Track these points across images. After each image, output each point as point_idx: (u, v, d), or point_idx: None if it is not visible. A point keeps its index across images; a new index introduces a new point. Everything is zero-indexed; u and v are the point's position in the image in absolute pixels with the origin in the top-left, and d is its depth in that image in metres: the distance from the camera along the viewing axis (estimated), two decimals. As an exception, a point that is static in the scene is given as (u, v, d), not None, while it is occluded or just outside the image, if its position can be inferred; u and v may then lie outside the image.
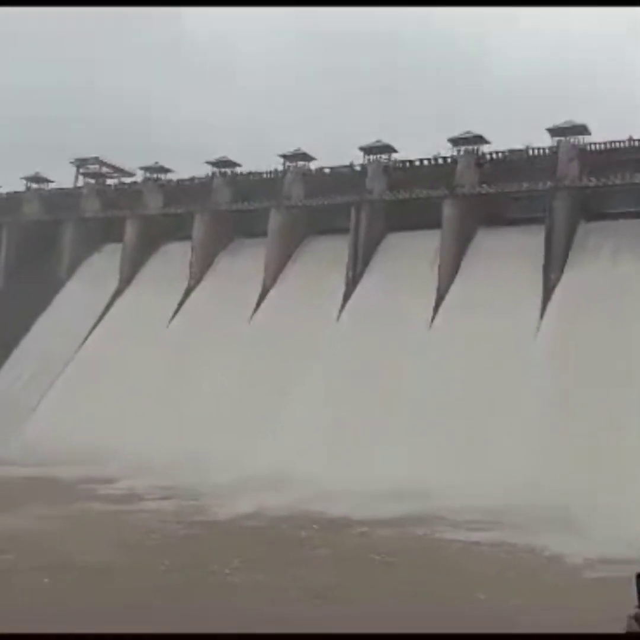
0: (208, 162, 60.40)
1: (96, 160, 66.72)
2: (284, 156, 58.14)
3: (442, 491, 31.89)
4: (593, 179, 46.54)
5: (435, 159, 53.53)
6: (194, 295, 56.09)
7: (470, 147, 52.16)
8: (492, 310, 43.90)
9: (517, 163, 50.14)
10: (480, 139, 52.29)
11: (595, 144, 48.24)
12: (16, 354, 58.45)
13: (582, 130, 48.85)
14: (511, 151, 51.05)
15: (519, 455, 34.78)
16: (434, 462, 35.38)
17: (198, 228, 57.69)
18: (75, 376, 53.46)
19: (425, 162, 53.97)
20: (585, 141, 48.61)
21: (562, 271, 45.13)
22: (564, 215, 46.41)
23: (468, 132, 52.72)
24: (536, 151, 50.08)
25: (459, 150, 52.50)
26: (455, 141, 52.65)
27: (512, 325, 43.02)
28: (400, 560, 24.32)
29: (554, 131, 49.35)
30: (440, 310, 46.88)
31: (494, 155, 51.57)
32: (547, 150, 49.47)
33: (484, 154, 52.03)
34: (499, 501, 30.19)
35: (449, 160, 52.64)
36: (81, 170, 66.98)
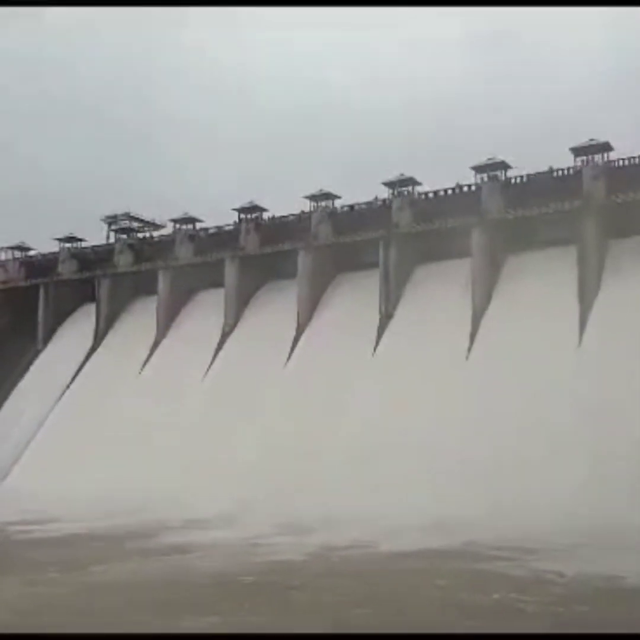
0: (234, 209, 61.35)
1: (126, 216, 68.08)
2: (310, 197, 58.77)
3: None
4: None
5: (459, 187, 53.58)
6: (229, 341, 56.37)
7: (494, 173, 52.27)
8: (530, 330, 43.53)
9: (542, 185, 50.00)
10: (503, 165, 52.32)
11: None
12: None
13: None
14: (535, 174, 50.98)
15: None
16: None
17: (229, 274, 58.28)
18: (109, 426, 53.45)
19: (450, 192, 54.10)
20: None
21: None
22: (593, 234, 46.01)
23: (491, 159, 52.77)
24: (560, 172, 49.96)
25: (482, 177, 52.55)
26: (478, 168, 52.75)
27: (551, 343, 42.55)
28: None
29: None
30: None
31: (518, 179, 51.53)
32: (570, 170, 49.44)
33: (508, 179, 52.06)
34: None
35: (473, 188, 52.77)
36: (112, 227, 68.35)
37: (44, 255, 69.08)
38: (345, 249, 55.95)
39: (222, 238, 61.01)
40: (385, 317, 51.13)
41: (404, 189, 55.54)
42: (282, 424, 47.04)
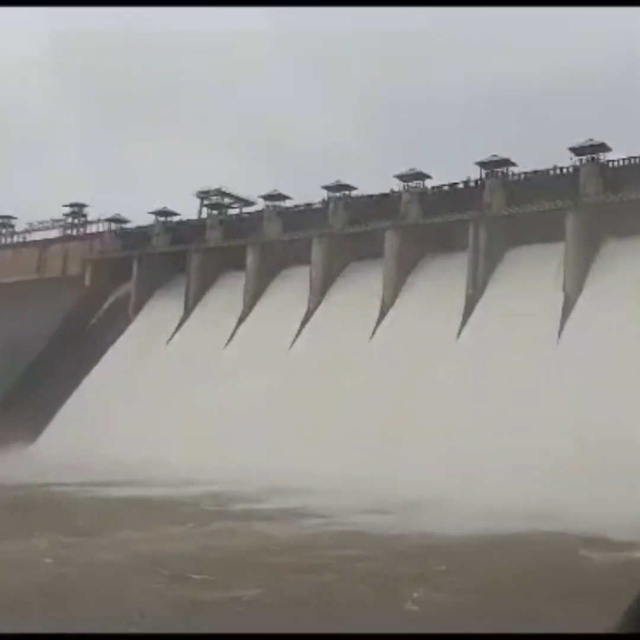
0: (324, 187, 61.29)
1: (218, 192, 69.10)
2: (400, 177, 58.11)
3: None
4: None
5: (556, 168, 51.88)
6: (313, 318, 56.68)
7: (592, 156, 50.39)
8: (626, 317, 41.65)
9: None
10: (602, 147, 50.32)
11: None
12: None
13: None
14: (633, 158, 48.79)
15: None
16: None
17: (316, 253, 58.40)
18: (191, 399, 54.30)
19: (546, 173, 52.43)
20: None
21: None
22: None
23: (590, 140, 50.86)
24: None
25: (581, 160, 50.71)
26: (577, 150, 50.93)
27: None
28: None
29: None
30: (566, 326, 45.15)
31: (616, 163, 49.48)
32: None
33: (607, 162, 50.06)
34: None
35: (571, 170, 51.03)
36: (205, 202, 69.52)
37: (139, 228, 71.01)
38: (433, 230, 55.12)
39: (311, 216, 61.12)
40: (472, 301, 50.24)
41: (497, 169, 54.20)
42: (367, 400, 46.95)
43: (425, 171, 57.48)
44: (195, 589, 19.90)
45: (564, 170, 51.53)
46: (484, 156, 54.58)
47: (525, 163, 53.32)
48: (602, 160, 50.14)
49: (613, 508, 26.58)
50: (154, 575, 21.21)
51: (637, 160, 48.75)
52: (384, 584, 20.90)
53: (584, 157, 50.54)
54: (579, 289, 46.70)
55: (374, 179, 58.78)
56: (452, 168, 59.03)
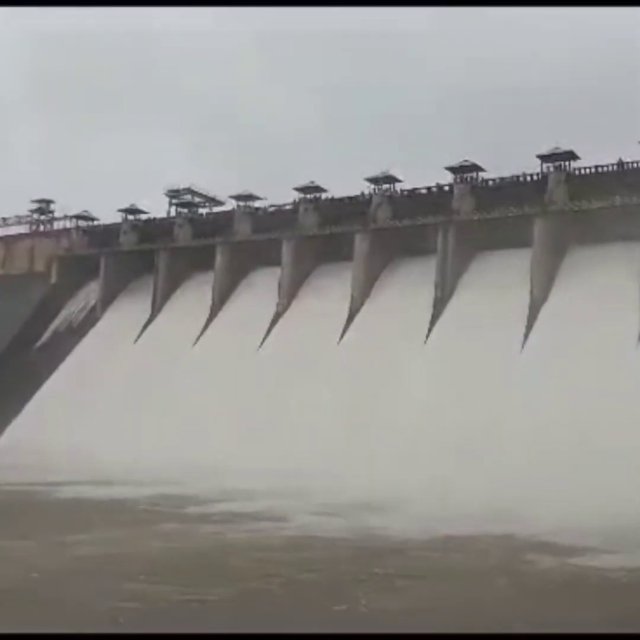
0: (295, 188, 61.11)
1: (188, 191, 68.60)
2: (371, 179, 58.15)
3: None
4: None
5: (525, 175, 52.31)
6: (282, 320, 56.54)
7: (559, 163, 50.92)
8: (591, 322, 42.14)
9: (609, 178, 48.43)
10: (571, 154, 50.83)
11: None
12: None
13: None
14: (602, 165, 49.42)
15: None
16: None
17: (285, 254, 58.23)
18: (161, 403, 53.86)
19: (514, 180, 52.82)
20: None
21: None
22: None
23: (557, 148, 51.35)
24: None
25: (548, 167, 51.19)
26: (544, 157, 51.41)
27: (618, 336, 41.11)
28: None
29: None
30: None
31: (582, 171, 50.08)
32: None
33: (574, 171, 50.60)
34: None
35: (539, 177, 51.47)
36: (174, 201, 68.97)
37: (107, 225, 70.19)
38: (403, 233, 55.26)
39: (281, 217, 60.92)
40: (440, 305, 50.47)
41: (467, 175, 54.45)
42: (333, 401, 46.99)
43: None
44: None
45: (533, 177, 51.93)
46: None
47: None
48: (569, 169, 50.64)
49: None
50: (85, 579, 20.83)
51: (603, 168, 49.33)
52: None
53: (551, 165, 51.01)
54: (544, 296, 47.17)
55: (353, 183, 57.96)
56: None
